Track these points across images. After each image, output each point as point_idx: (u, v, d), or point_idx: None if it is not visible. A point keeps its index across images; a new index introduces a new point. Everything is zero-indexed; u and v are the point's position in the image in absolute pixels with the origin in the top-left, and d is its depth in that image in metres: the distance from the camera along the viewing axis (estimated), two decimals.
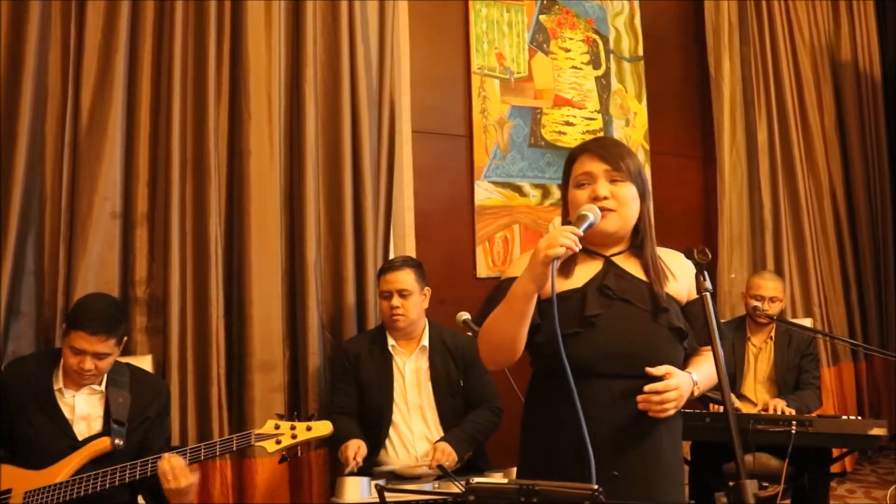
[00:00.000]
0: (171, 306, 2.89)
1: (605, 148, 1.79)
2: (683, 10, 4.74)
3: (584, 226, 1.63)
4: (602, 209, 1.70)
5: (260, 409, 2.98)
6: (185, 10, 3.00)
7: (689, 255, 1.59)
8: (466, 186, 3.85)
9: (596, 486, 1.17)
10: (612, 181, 1.75)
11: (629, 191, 1.76)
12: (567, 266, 1.76)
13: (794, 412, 3.11)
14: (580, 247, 1.59)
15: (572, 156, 1.83)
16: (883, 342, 4.84)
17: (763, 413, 3.12)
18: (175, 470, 2.17)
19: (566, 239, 1.55)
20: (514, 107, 3.99)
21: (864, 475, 4.50)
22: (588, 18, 4.31)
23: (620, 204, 1.74)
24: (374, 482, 2.51)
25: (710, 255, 1.55)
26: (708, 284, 1.57)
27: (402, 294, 2.86)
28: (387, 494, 1.52)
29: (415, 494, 1.94)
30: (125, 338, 2.37)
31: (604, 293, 1.73)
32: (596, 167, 1.76)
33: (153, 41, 2.97)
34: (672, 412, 1.67)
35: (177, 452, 2.23)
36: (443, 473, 1.59)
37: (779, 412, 3.11)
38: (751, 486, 1.28)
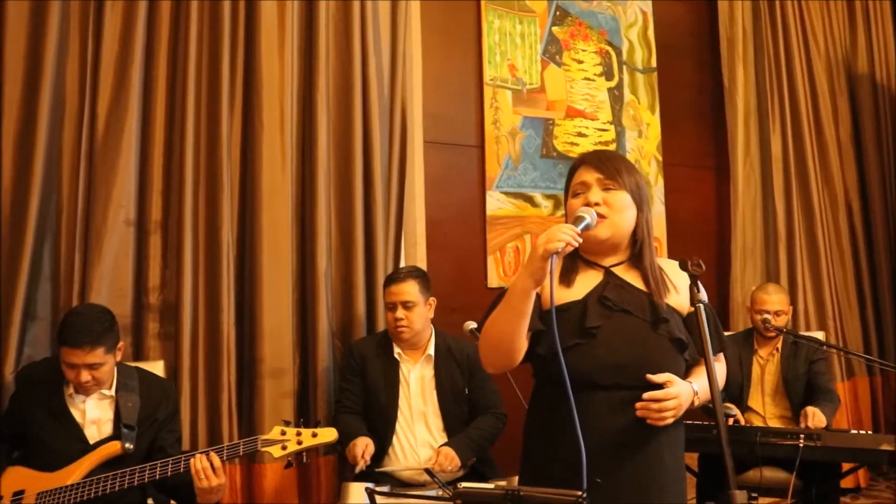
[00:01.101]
0: (183, 313, 2.93)
1: (600, 159, 1.83)
2: (697, 21, 4.74)
3: (582, 225, 1.66)
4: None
5: (269, 414, 3.00)
6: (199, 21, 3.06)
7: (683, 267, 1.60)
8: (478, 196, 3.87)
9: (580, 493, 1.18)
10: (606, 189, 1.78)
11: (622, 198, 1.78)
12: (568, 276, 1.78)
13: (824, 419, 3.08)
14: (580, 240, 1.61)
15: (572, 168, 1.87)
16: None
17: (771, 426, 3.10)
18: (207, 470, 2.21)
19: (564, 234, 1.58)
20: (526, 118, 4.01)
21: (879, 491, 4.43)
22: (601, 30, 4.32)
23: (612, 210, 1.77)
24: (365, 485, 2.53)
25: (704, 267, 1.56)
26: (702, 296, 1.58)
27: (406, 306, 2.87)
28: (377, 498, 1.54)
29: (404, 498, 1.98)
30: (119, 343, 2.38)
31: (604, 304, 1.74)
32: (590, 176, 1.80)
33: (168, 52, 3.03)
34: (670, 420, 1.68)
35: (185, 455, 2.26)
36: (431, 478, 1.60)
37: (816, 417, 3.08)
38: (740, 497, 1.30)
